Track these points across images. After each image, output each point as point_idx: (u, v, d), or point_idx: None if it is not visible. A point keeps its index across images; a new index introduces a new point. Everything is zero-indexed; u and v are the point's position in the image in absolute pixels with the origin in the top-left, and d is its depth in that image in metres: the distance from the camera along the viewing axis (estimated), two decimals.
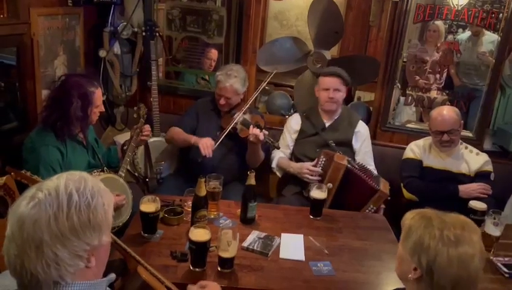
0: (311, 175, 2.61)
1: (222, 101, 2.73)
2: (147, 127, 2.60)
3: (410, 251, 1.15)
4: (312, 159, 2.69)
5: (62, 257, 0.90)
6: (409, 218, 1.19)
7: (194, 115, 2.85)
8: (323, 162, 2.61)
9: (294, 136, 2.87)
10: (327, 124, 2.82)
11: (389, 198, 2.53)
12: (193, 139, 2.65)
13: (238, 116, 2.66)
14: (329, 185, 2.49)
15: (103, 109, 2.36)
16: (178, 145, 2.87)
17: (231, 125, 2.65)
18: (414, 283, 1.16)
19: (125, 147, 2.55)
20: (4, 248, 0.92)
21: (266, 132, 2.55)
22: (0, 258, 0.97)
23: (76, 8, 2.87)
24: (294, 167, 2.73)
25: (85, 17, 2.98)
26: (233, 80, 2.69)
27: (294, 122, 2.90)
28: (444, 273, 1.10)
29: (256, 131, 2.50)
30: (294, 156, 2.85)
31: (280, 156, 2.85)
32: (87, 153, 2.38)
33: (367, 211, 2.52)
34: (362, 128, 2.84)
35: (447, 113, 2.62)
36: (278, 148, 2.67)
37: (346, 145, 2.78)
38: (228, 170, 2.65)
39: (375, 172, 2.73)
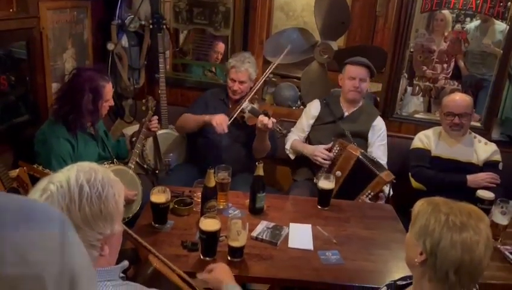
0: (324, 159, 2.62)
1: (235, 87, 2.73)
2: (155, 118, 2.62)
3: (416, 235, 1.17)
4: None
5: None
6: (418, 205, 1.21)
7: (202, 105, 2.87)
8: (336, 150, 2.62)
9: (312, 121, 2.87)
10: (346, 114, 2.82)
11: (394, 181, 2.53)
12: (206, 117, 2.67)
13: (247, 104, 2.68)
14: (338, 173, 2.51)
15: (113, 103, 2.39)
16: (190, 129, 2.86)
17: (240, 108, 2.65)
18: (419, 267, 1.18)
19: (133, 139, 2.58)
20: None
21: (274, 120, 2.57)
22: None
23: (84, 1, 2.89)
24: (309, 148, 2.75)
25: (93, 10, 2.99)
26: (247, 65, 2.73)
27: (313, 107, 2.90)
28: (447, 257, 1.11)
29: (265, 118, 2.52)
30: (309, 142, 2.86)
31: (294, 138, 2.86)
32: (97, 146, 2.41)
33: (364, 196, 2.52)
34: (380, 123, 2.84)
35: (460, 97, 2.65)
36: (285, 135, 2.67)
37: (362, 137, 2.78)
38: (236, 160, 2.67)
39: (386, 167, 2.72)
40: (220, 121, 2.56)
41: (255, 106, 2.72)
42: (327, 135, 2.76)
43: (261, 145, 2.72)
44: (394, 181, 2.56)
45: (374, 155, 2.72)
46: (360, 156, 2.54)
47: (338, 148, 2.62)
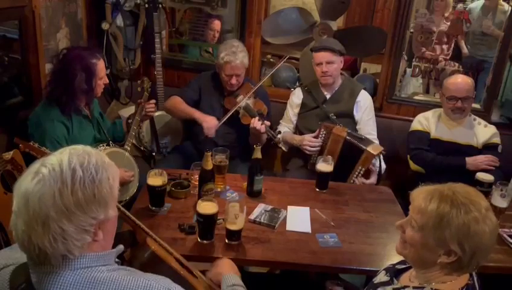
0: (311, 147, 2.61)
1: (233, 81, 2.66)
2: (153, 102, 2.58)
3: (449, 239, 1.10)
4: (314, 132, 2.69)
5: (69, 232, 0.90)
6: (433, 208, 1.13)
7: (196, 88, 2.81)
8: (323, 135, 2.61)
9: (296, 110, 2.86)
10: (328, 96, 2.80)
11: (383, 152, 2.50)
12: (196, 114, 2.63)
13: (242, 102, 2.63)
14: (329, 157, 2.49)
15: (107, 81, 2.34)
16: (177, 116, 2.82)
17: (234, 109, 2.62)
18: (441, 265, 1.15)
19: (129, 120, 2.54)
20: (11, 223, 0.92)
21: (268, 123, 2.53)
22: (10, 231, 0.98)
23: None
24: (297, 139, 2.74)
25: None
26: (241, 55, 2.63)
27: (295, 96, 2.89)
28: (485, 251, 1.12)
29: (258, 124, 2.48)
30: (298, 130, 2.85)
31: (284, 130, 2.85)
32: (93, 128, 2.38)
33: (356, 173, 2.51)
34: (363, 98, 2.79)
35: (462, 80, 2.61)
36: (279, 142, 2.53)
37: (348, 116, 2.76)
38: (232, 147, 2.63)
39: (377, 141, 2.69)
40: (210, 126, 2.55)
41: (250, 102, 2.67)
42: (314, 121, 2.74)
43: (256, 141, 2.68)
44: (384, 153, 2.53)
45: (362, 131, 2.70)
46: (347, 137, 2.52)
47: (324, 132, 2.60)
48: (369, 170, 2.53)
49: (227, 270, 1.45)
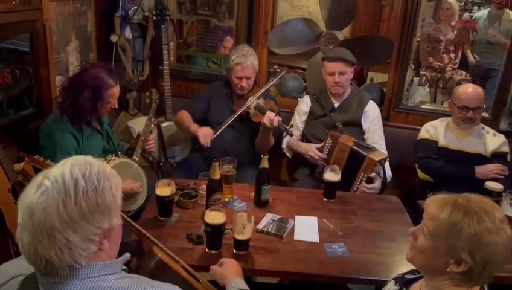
0: (315, 159, 2.63)
1: (243, 83, 2.70)
2: (152, 138, 2.59)
3: (460, 248, 1.09)
4: (321, 140, 2.69)
5: (74, 242, 0.91)
6: (447, 214, 1.11)
7: (205, 99, 2.84)
8: (330, 144, 2.61)
9: (304, 117, 2.87)
10: (336, 105, 2.80)
11: (386, 160, 2.50)
12: (193, 127, 2.66)
13: (252, 101, 2.65)
14: (335, 166, 2.49)
15: (116, 106, 2.33)
16: (181, 130, 2.86)
17: (243, 108, 2.64)
18: (448, 274, 1.13)
19: (129, 152, 2.53)
20: (17, 236, 0.93)
21: (280, 118, 2.55)
22: None
23: None
24: (302, 147, 2.75)
25: (96, 2, 2.97)
26: (251, 58, 2.69)
27: (304, 104, 2.90)
28: (498, 262, 1.10)
29: (271, 115, 2.50)
30: (305, 138, 2.86)
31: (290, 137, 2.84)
32: (102, 139, 2.41)
33: (359, 181, 2.50)
34: (371, 108, 2.80)
35: (474, 90, 2.58)
36: (291, 135, 2.63)
37: (355, 125, 2.76)
38: (241, 154, 2.65)
39: (385, 151, 2.69)
40: (205, 135, 2.57)
41: (261, 101, 2.69)
42: (321, 129, 2.75)
43: (263, 142, 2.70)
44: (387, 160, 2.52)
45: (370, 141, 2.70)
46: (354, 146, 2.52)
47: (330, 141, 2.61)
48: (372, 177, 2.50)
49: (233, 274, 1.45)
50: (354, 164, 2.52)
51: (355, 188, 2.52)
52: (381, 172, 2.53)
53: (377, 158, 2.46)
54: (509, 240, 1.10)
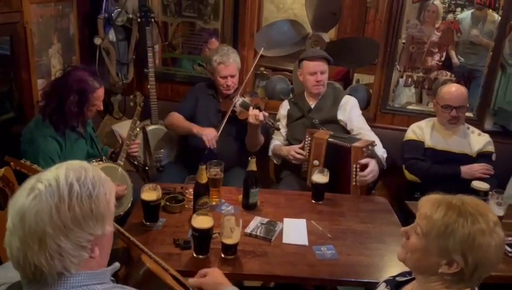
0: (297, 157, 2.61)
1: (229, 82, 2.69)
2: (136, 142, 2.55)
3: (452, 249, 1.08)
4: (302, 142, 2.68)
5: (66, 248, 0.89)
6: (441, 214, 1.11)
7: (193, 100, 2.82)
8: (308, 141, 2.60)
9: (284, 121, 2.87)
10: (312, 106, 2.81)
11: (374, 145, 2.47)
12: (195, 128, 2.63)
13: (238, 99, 2.64)
14: (316, 162, 2.48)
15: (101, 108, 2.29)
16: (177, 132, 2.84)
17: (231, 108, 2.63)
18: (440, 275, 1.12)
19: (113, 155, 2.48)
20: (6, 241, 0.91)
21: (266, 114, 2.53)
22: (1, 250, 0.95)
23: None
24: (284, 149, 2.74)
25: (78, 4, 2.93)
26: (233, 56, 2.69)
27: (282, 108, 2.91)
28: (489, 265, 1.09)
29: (256, 111, 2.49)
30: (288, 141, 2.86)
31: (275, 143, 2.86)
32: (86, 143, 2.36)
33: (354, 173, 2.44)
34: (346, 100, 2.80)
35: (457, 89, 2.62)
36: (278, 129, 2.65)
37: (332, 122, 2.76)
38: (229, 155, 2.63)
39: (372, 133, 2.67)
40: (211, 137, 2.55)
41: (246, 99, 2.68)
42: (301, 130, 2.74)
43: (252, 140, 2.69)
44: (375, 145, 2.50)
45: (355, 130, 2.69)
46: (330, 139, 2.51)
47: (309, 138, 2.60)
48: (365, 164, 2.42)
49: (227, 282, 1.42)
50: (344, 158, 2.47)
51: (354, 182, 2.47)
52: (373, 155, 2.49)
53: (362, 145, 2.44)
54: (502, 242, 1.10)
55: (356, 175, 2.46)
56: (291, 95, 3.40)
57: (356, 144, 2.45)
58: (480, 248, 1.06)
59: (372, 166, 2.41)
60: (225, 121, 2.62)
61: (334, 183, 2.32)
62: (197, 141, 2.61)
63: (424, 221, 1.14)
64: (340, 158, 2.48)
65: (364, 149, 2.43)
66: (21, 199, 0.90)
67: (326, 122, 2.74)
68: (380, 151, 2.57)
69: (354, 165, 2.45)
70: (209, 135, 2.55)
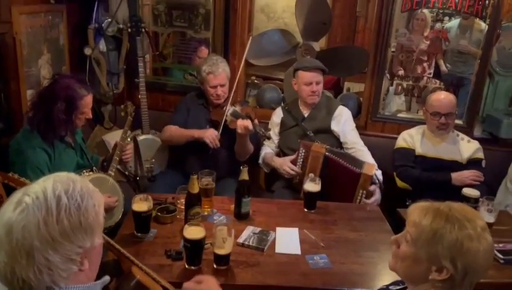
0: (289, 172, 2.61)
1: (219, 91, 2.69)
2: (130, 148, 2.54)
3: (441, 255, 1.09)
4: (295, 151, 2.68)
5: (54, 262, 0.88)
6: (429, 220, 1.12)
7: (185, 111, 2.82)
8: (303, 153, 2.60)
9: (277, 129, 2.87)
10: (306, 115, 2.82)
11: (377, 170, 2.49)
12: (196, 133, 2.63)
13: (228, 108, 2.64)
14: (311, 175, 2.48)
15: (90, 116, 2.25)
16: (178, 142, 2.80)
17: (224, 117, 2.63)
18: (430, 282, 1.12)
19: (105, 164, 2.46)
20: None
21: (257, 122, 2.54)
22: None
23: (59, 5, 2.82)
24: (277, 161, 2.73)
25: (68, 14, 2.92)
26: (222, 65, 2.69)
27: (276, 116, 2.91)
28: (479, 271, 1.09)
29: (244, 122, 2.50)
30: (280, 149, 2.86)
31: (266, 151, 2.85)
32: (76, 154, 2.33)
33: (359, 197, 2.48)
34: (340, 112, 2.81)
35: (446, 96, 2.66)
36: (269, 138, 2.66)
37: (326, 132, 2.76)
38: (220, 165, 2.63)
39: (366, 149, 2.70)
40: (213, 138, 2.57)
41: (237, 108, 2.68)
42: (294, 139, 2.75)
43: (242, 148, 2.68)
44: (377, 170, 2.53)
45: (349, 143, 2.71)
46: (327, 153, 2.52)
47: (303, 150, 2.59)
48: (372, 191, 2.49)
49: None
50: (332, 172, 2.50)
51: (356, 203, 2.49)
52: (377, 177, 2.53)
53: (371, 172, 2.46)
54: (490, 247, 1.10)
55: (360, 200, 2.48)
56: (282, 104, 3.41)
57: (366, 172, 2.45)
58: (469, 253, 1.07)
59: (377, 194, 2.47)
60: (222, 125, 2.62)
61: (328, 195, 2.33)
62: (197, 146, 2.60)
63: (413, 228, 1.14)
64: (340, 175, 2.50)
65: (373, 177, 2.46)
66: (8, 212, 0.88)
67: (320, 132, 2.75)
68: (379, 175, 2.58)
69: (361, 191, 2.48)
70: (211, 136, 2.57)
